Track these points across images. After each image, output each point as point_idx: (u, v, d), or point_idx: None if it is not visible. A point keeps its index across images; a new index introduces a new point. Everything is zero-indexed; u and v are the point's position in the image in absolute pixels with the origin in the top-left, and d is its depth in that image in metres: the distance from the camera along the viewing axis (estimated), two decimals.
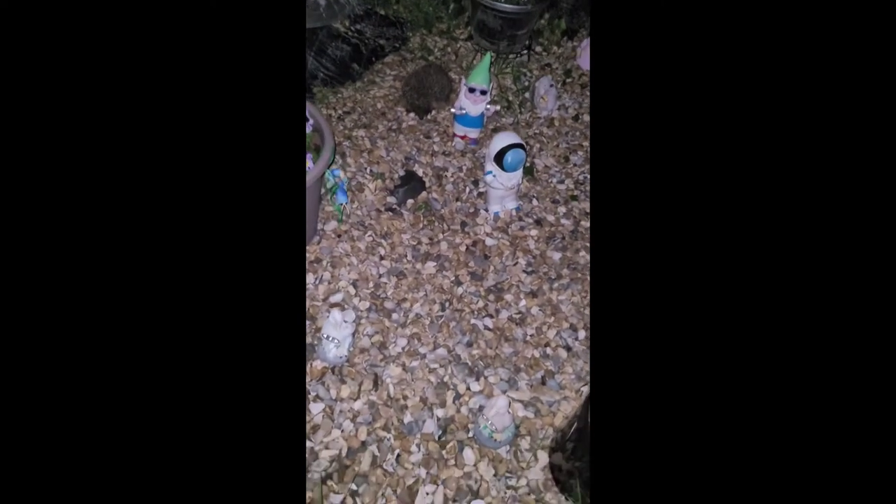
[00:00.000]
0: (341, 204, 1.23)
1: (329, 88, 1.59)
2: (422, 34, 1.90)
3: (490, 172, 1.28)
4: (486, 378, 1.02)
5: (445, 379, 1.02)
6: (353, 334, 1.11)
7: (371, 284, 1.19)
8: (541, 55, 1.79)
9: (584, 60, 1.72)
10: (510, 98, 1.66)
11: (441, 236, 1.29)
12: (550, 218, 1.33)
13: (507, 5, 1.65)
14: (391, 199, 1.35)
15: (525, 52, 1.78)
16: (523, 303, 1.16)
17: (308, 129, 1.08)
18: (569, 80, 1.71)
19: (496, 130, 1.45)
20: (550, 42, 1.92)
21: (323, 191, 1.25)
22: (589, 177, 1.40)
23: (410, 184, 1.37)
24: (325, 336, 0.96)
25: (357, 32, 1.81)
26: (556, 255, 1.24)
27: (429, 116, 1.57)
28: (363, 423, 0.96)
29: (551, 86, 1.59)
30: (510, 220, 1.33)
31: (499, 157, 1.25)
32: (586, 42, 1.71)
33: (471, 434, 0.95)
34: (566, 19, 1.92)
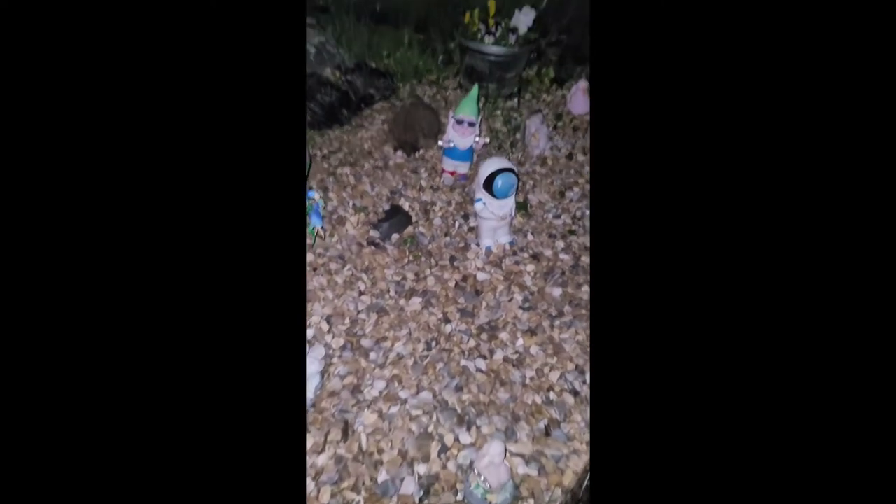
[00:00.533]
0: (315, 227, 1.17)
1: (315, 130, 1.61)
2: (412, 84, 1.96)
3: (480, 200, 1.23)
4: (478, 428, 0.88)
5: (430, 428, 0.88)
6: (322, 374, 0.96)
7: (347, 321, 1.09)
8: (530, 102, 1.83)
9: (574, 105, 1.72)
10: (500, 139, 1.67)
11: (428, 272, 1.23)
12: (548, 253, 1.27)
13: (494, 48, 1.70)
14: (374, 233, 1.31)
15: (515, 96, 1.81)
16: (521, 342, 1.06)
17: None
18: (560, 124, 1.72)
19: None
20: (540, 90, 1.96)
21: None
22: (588, 212, 1.36)
23: (395, 217, 1.34)
24: None
25: (347, 82, 1.84)
26: (557, 291, 1.17)
27: (416, 154, 1.59)
28: (327, 482, 0.80)
29: (542, 123, 1.59)
30: (503, 255, 1.28)
31: (488, 183, 1.20)
32: (576, 87, 1.71)
33: (460, 496, 0.79)
34: (554, 68, 1.97)
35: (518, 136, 1.69)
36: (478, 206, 1.24)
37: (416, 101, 1.63)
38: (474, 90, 1.43)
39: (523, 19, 1.69)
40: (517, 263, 1.26)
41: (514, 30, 1.71)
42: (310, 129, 1.60)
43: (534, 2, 1.72)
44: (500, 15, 1.78)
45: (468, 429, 0.89)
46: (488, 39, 1.70)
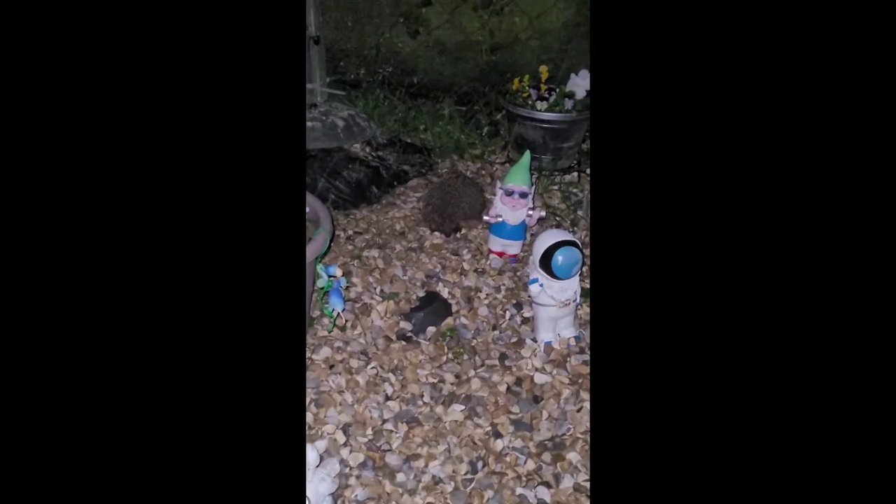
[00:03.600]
0: (334, 310, 1.17)
1: (340, 211, 1.70)
2: (452, 159, 2.07)
3: (535, 281, 1.22)
4: None
5: None
6: (334, 498, 0.90)
7: (369, 431, 1.05)
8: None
9: None
10: (559, 216, 1.72)
11: (472, 372, 1.22)
12: None
13: (548, 114, 1.77)
14: (405, 325, 1.33)
15: (574, 169, 1.87)
16: None
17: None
18: None
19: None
20: None
21: (312, 290, 1.20)
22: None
23: (432, 306, 1.36)
24: None
25: (378, 158, 1.97)
26: None
27: (457, 234, 1.65)
28: None
29: None
30: (568, 352, 1.26)
31: (546, 260, 1.19)
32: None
33: None
34: None
35: (580, 213, 1.72)
36: (533, 288, 1.23)
37: (457, 175, 1.68)
38: (526, 157, 1.49)
39: (581, 83, 1.79)
40: (586, 363, 1.23)
41: (571, 95, 1.80)
42: (334, 209, 1.71)
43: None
44: (553, 81, 1.91)
45: None
46: (541, 105, 1.79)
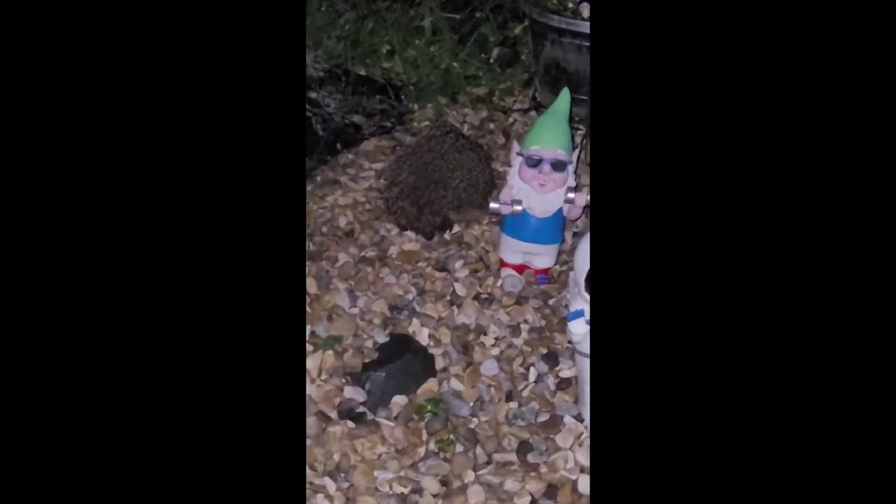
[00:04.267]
0: None
1: None
2: (437, 105, 2.07)
3: (580, 315, 1.20)
4: None
5: None
6: None
7: None
8: None
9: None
10: None
11: (471, 476, 1.23)
12: None
13: None
14: (354, 395, 1.34)
15: None
16: None
17: None
18: None
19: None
20: None
21: None
22: None
23: (401, 361, 1.38)
24: None
25: (310, 103, 1.97)
26: None
27: (444, 236, 1.67)
28: None
29: None
30: None
31: None
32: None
33: None
34: None
35: None
36: (577, 327, 1.22)
37: (445, 133, 1.69)
38: (563, 97, 1.50)
39: None
40: None
41: None
42: None
43: None
44: None
45: None
46: (587, 10, 1.77)
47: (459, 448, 1.27)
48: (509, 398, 1.36)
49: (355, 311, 1.49)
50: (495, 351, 1.43)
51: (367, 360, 1.38)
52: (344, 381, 1.36)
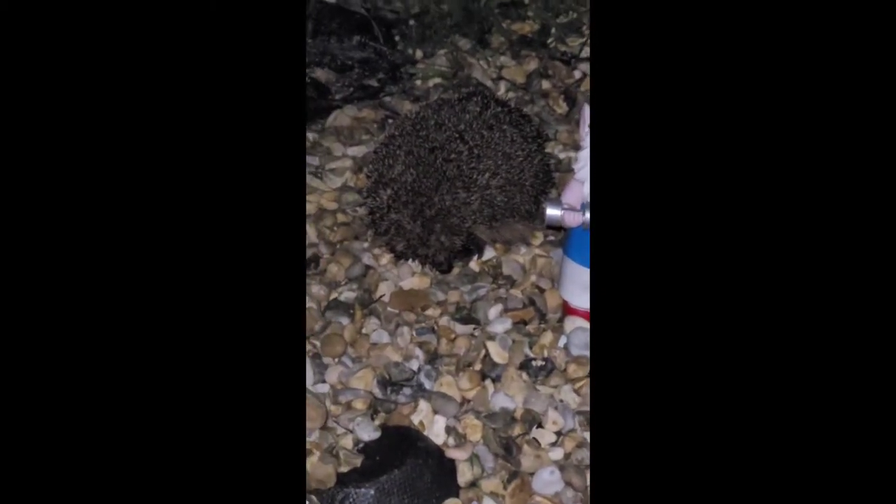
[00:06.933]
0: None
1: None
2: (454, 51, 1.88)
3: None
4: None
5: None
6: None
7: None
8: None
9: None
10: None
11: None
12: None
13: None
14: None
15: None
16: None
17: None
18: None
19: None
20: None
21: None
22: None
23: (400, 469, 1.29)
24: None
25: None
26: None
27: (473, 264, 1.59)
28: None
29: None
30: None
31: None
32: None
33: None
34: None
35: None
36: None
37: (467, 98, 1.60)
38: None
39: None
40: None
41: None
42: None
43: None
44: None
45: None
46: None
47: None
48: None
49: (323, 388, 1.38)
50: (557, 453, 1.31)
51: (343, 470, 1.28)
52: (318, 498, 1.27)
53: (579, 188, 1.39)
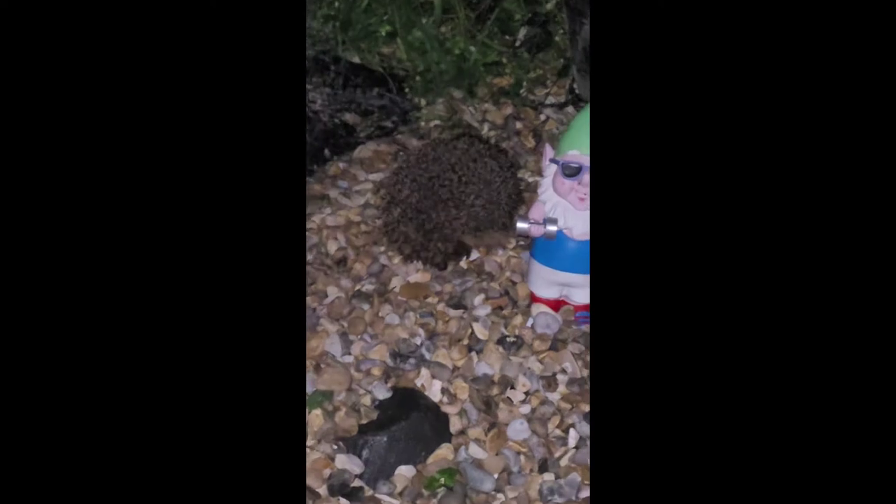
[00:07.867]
0: None
1: None
2: (450, 100, 2.06)
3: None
4: None
5: None
6: None
7: None
8: None
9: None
10: None
11: None
12: None
13: None
14: (349, 464, 1.33)
15: None
16: None
17: None
18: None
19: None
20: None
21: None
22: None
23: (406, 422, 1.39)
24: None
25: None
26: None
27: (462, 264, 1.70)
28: None
29: None
30: None
31: None
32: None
33: None
34: None
35: None
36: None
37: (458, 137, 1.71)
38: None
39: None
40: None
41: None
42: None
43: None
44: None
45: None
46: None
47: None
48: (543, 468, 1.35)
49: (349, 359, 1.49)
50: (525, 409, 1.43)
51: (364, 422, 1.39)
52: (335, 447, 1.35)
53: (541, 206, 1.52)
